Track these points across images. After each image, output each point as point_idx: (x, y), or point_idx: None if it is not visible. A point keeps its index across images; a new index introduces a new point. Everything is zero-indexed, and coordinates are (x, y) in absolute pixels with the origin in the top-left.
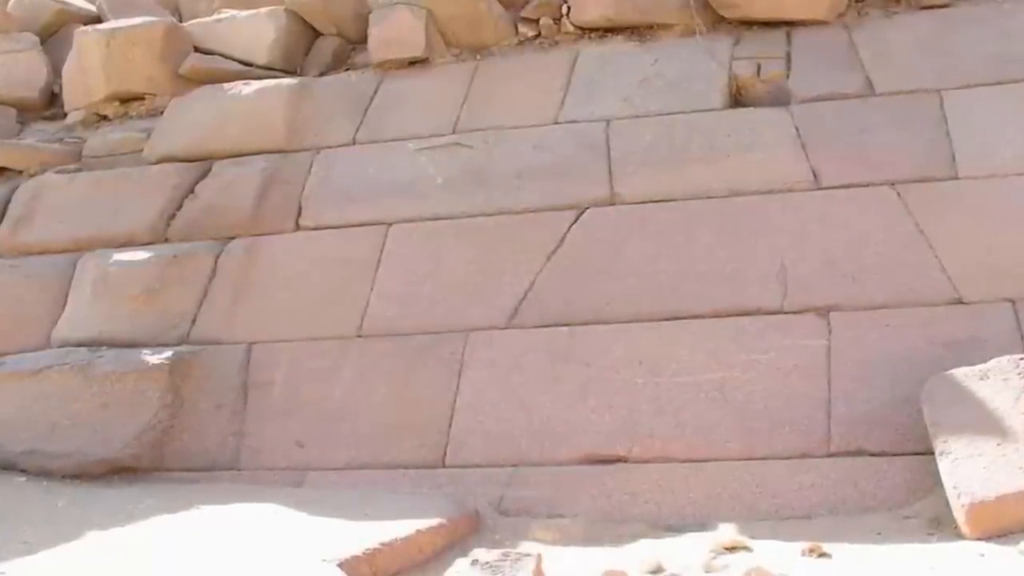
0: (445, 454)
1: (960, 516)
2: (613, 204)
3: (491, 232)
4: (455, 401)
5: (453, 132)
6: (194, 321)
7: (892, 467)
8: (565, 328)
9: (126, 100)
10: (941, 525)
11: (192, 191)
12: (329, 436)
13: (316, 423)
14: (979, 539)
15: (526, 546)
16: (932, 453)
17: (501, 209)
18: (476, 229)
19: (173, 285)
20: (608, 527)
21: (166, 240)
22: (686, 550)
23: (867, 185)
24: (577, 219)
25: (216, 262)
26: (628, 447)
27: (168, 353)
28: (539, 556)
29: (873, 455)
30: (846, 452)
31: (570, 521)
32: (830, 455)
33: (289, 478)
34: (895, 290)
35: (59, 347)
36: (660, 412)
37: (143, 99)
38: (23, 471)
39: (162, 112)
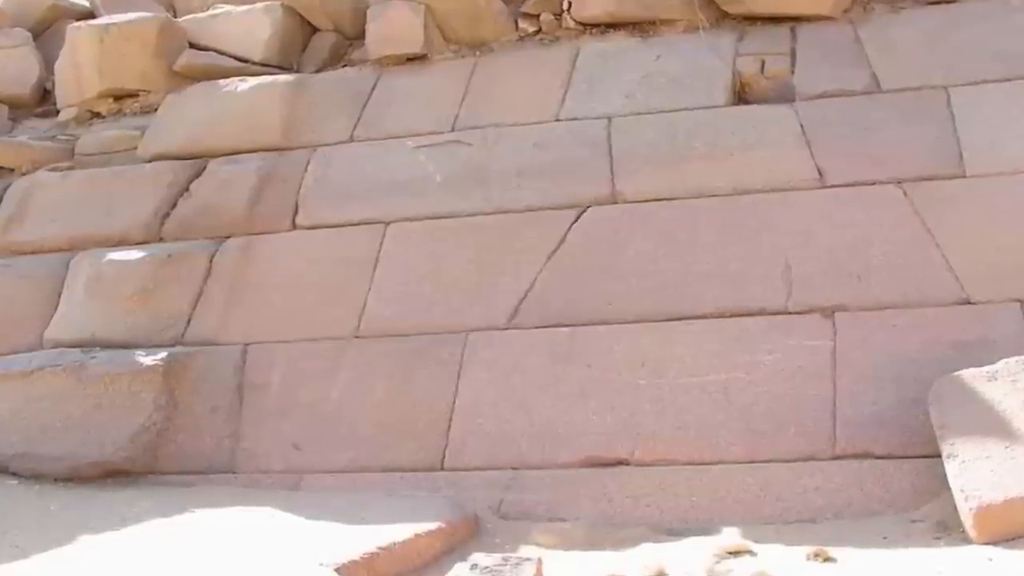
0: (444, 457)
1: (967, 520)
2: (615, 203)
3: (491, 231)
4: (454, 403)
5: (452, 130)
6: (189, 322)
7: (899, 470)
8: (566, 329)
9: (120, 97)
10: (948, 529)
11: (187, 190)
12: (326, 438)
13: (313, 425)
14: (987, 543)
15: (526, 550)
16: (939, 456)
17: (501, 208)
18: (475, 228)
19: (167, 285)
20: (609, 531)
21: (160, 239)
22: (689, 554)
23: (873, 183)
24: (578, 218)
25: (211, 262)
26: (630, 450)
27: (162, 354)
28: (539, 560)
29: (879, 458)
30: (852, 455)
31: (571, 525)
32: (835, 458)
33: (286, 481)
34: (901, 290)
35: (52, 348)
36: (662, 414)
37: (137, 96)
38: (15, 474)
39: (156, 109)
